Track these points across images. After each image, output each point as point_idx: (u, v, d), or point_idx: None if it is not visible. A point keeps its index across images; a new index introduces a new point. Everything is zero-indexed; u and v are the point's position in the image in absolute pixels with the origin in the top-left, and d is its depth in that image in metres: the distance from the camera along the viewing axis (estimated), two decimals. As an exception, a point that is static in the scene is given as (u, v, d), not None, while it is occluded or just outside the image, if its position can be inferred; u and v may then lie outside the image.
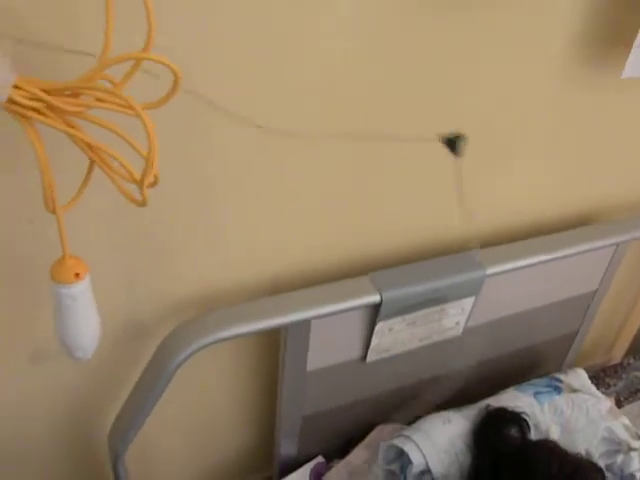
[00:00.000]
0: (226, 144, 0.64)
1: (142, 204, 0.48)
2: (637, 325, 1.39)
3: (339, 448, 1.01)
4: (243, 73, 0.61)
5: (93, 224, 0.61)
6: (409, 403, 1.02)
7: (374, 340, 0.87)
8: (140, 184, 0.44)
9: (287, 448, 0.98)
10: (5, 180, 0.56)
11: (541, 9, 0.75)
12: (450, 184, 0.67)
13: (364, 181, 0.79)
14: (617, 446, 1.02)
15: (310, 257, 0.82)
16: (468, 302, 0.91)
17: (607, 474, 0.97)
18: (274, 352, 0.85)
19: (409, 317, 0.86)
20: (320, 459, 1.00)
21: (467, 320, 0.95)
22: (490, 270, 0.88)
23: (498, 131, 0.84)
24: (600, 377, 1.31)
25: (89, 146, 0.45)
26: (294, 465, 0.99)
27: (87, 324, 0.54)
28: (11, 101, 0.40)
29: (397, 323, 0.86)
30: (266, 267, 0.79)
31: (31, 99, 0.40)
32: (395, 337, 0.88)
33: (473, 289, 0.89)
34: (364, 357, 0.90)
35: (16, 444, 0.82)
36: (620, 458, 1.01)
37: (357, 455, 0.99)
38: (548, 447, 0.93)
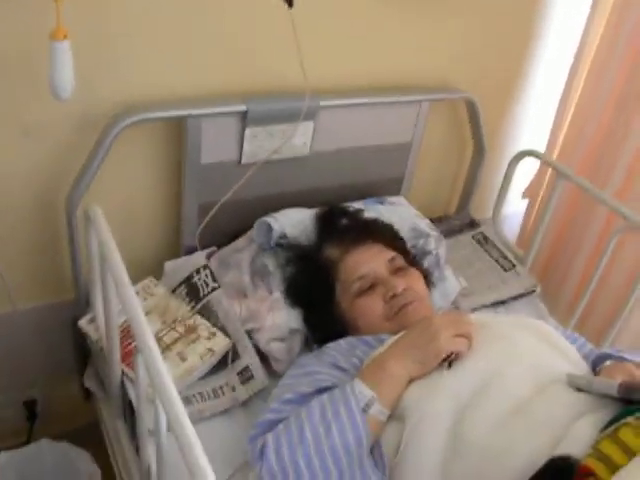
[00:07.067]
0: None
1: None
2: (460, 190, 1.96)
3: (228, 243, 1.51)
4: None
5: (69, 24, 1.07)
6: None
7: (245, 144, 1.38)
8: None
9: (189, 240, 1.48)
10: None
11: None
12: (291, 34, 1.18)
13: (237, 25, 1.30)
14: (419, 234, 1.57)
15: (205, 81, 1.34)
16: (309, 125, 1.44)
17: (412, 250, 1.53)
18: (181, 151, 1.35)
19: (268, 128, 1.38)
20: (214, 248, 1.50)
21: (312, 143, 1.48)
22: (323, 103, 1.42)
23: (323, 7, 1.37)
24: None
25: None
26: (196, 253, 1.49)
27: (68, 72, 1.03)
28: None
29: (260, 132, 1.38)
30: (181, 83, 1.31)
31: None
32: (260, 144, 1.40)
33: (311, 114, 1.41)
34: (240, 160, 1.41)
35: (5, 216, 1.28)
36: (422, 241, 1.56)
37: (240, 241, 1.50)
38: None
